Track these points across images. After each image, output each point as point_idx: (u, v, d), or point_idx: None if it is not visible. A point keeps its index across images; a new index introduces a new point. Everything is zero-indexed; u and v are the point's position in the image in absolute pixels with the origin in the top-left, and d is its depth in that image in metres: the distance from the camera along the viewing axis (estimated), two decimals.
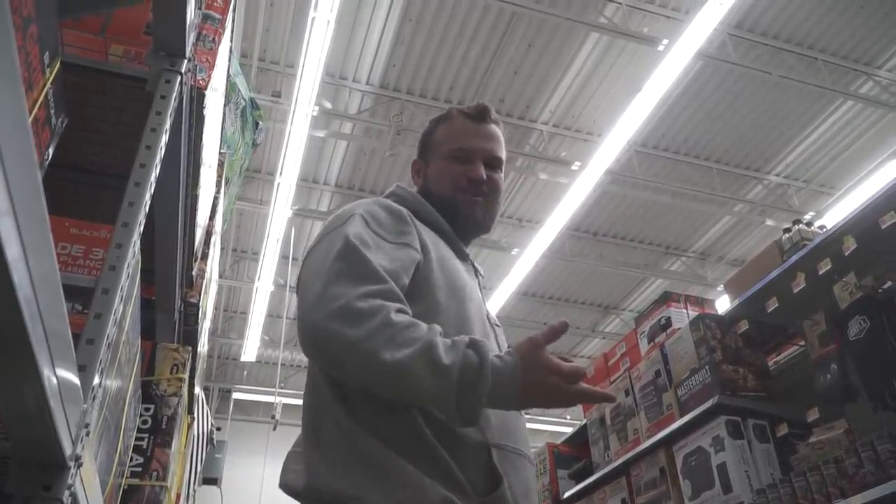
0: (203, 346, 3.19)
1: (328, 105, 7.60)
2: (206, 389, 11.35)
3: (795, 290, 2.69)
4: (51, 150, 1.21)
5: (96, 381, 1.12)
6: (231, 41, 2.58)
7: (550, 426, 13.57)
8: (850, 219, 2.53)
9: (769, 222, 8.89)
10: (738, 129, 8.20)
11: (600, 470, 3.60)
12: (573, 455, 4.11)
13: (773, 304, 2.82)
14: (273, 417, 9.14)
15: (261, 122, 3.84)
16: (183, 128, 1.76)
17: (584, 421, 3.95)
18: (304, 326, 1.09)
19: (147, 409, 2.10)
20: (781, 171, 8.87)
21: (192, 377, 2.55)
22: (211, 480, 7.02)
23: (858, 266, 2.47)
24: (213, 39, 1.95)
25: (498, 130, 1.47)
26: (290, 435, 1.44)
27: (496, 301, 9.61)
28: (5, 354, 0.73)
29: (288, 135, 6.97)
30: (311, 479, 1.10)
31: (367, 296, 1.07)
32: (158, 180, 1.52)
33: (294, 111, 6.70)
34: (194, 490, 4.08)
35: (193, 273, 2.49)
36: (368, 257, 1.13)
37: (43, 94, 1.06)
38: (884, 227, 2.36)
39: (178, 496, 2.71)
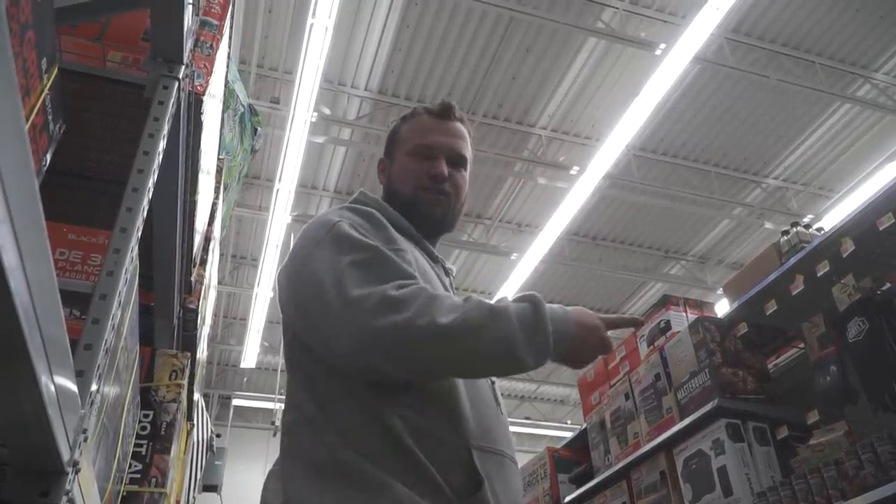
0: (202, 352, 3.19)
1: (327, 111, 7.61)
2: (205, 396, 11.31)
3: (794, 293, 2.69)
4: (48, 157, 1.21)
5: (94, 387, 1.12)
6: (229, 47, 2.59)
7: (550, 430, 13.57)
8: (847, 221, 2.53)
9: (768, 225, 8.90)
10: (736, 133, 8.22)
11: (601, 474, 3.59)
12: (573, 459, 4.10)
13: (772, 307, 2.81)
14: (273, 424, 9.13)
15: (259, 128, 3.84)
16: (181, 134, 1.76)
17: (585, 425, 3.95)
18: (349, 335, 1.04)
19: (146, 416, 2.10)
20: (780, 174, 8.88)
21: (191, 383, 2.54)
22: (211, 487, 7.01)
23: (857, 268, 2.47)
24: (211, 45, 1.96)
25: (463, 128, 1.44)
26: None
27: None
28: (3, 361, 0.73)
29: (287, 141, 6.98)
30: (289, 496, 1.08)
31: (398, 286, 1.06)
32: (156, 186, 1.52)
33: (293, 117, 6.71)
34: (194, 497, 4.06)
35: (192, 279, 2.49)
36: (385, 258, 1.12)
37: (40, 100, 1.06)
38: (881, 228, 2.36)
39: (178, 503, 2.70)
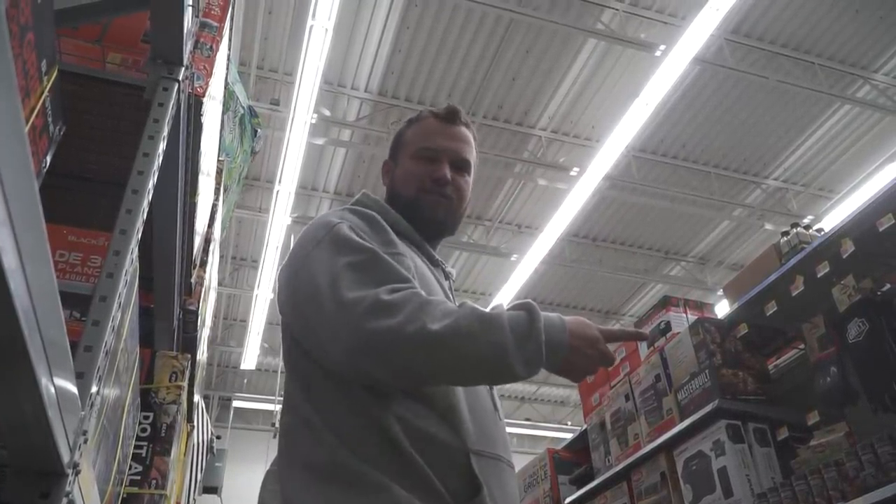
0: (202, 353, 3.19)
1: (327, 112, 7.61)
2: (205, 398, 11.31)
3: (794, 293, 2.69)
4: (48, 158, 1.21)
5: (94, 388, 1.12)
6: (229, 49, 2.59)
7: (551, 432, 13.56)
8: (847, 222, 2.53)
9: (768, 226, 8.90)
10: (736, 134, 8.22)
11: (601, 475, 3.59)
12: (574, 460, 4.09)
13: (772, 308, 2.81)
14: (273, 425, 9.14)
15: (259, 130, 3.85)
16: (181, 135, 1.76)
17: (585, 426, 3.94)
18: (341, 338, 1.04)
19: (146, 417, 2.10)
20: (780, 175, 8.88)
21: (191, 385, 2.54)
22: (211, 489, 6.99)
23: (857, 269, 2.47)
24: (211, 47, 1.96)
25: (468, 133, 1.44)
26: None
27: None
28: (3, 363, 0.73)
29: (287, 142, 6.99)
30: (287, 497, 1.08)
31: (392, 290, 1.06)
32: (156, 188, 1.52)
33: (293, 119, 6.71)
34: (194, 499, 4.06)
35: (192, 280, 2.49)
36: (381, 261, 1.12)
37: (40, 101, 1.06)
38: (882, 229, 2.36)
39: None
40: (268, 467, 1.24)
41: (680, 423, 2.98)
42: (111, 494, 1.49)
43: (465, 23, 6.88)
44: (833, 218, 8.26)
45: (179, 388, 2.21)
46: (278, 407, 9.24)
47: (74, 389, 0.99)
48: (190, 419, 2.93)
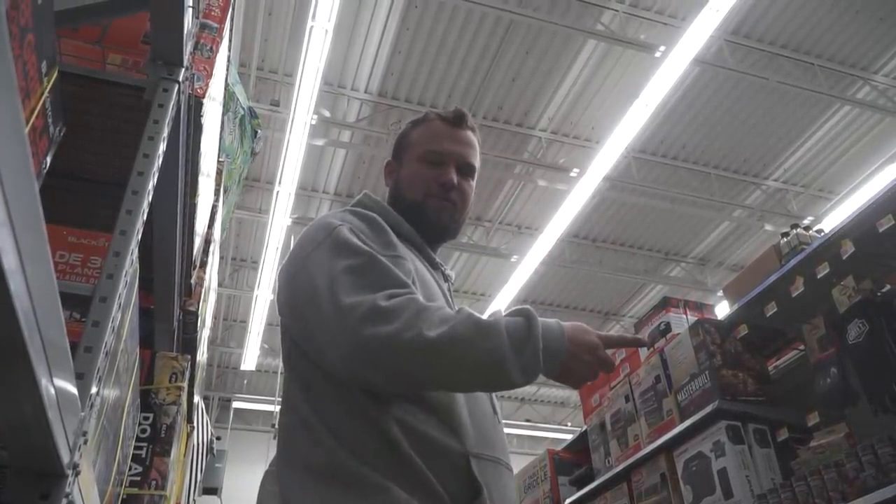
0: (202, 354, 3.19)
1: (327, 113, 7.61)
2: (205, 399, 11.31)
3: (794, 294, 2.69)
4: (48, 159, 1.21)
5: (94, 389, 1.12)
6: (229, 50, 2.59)
7: (551, 433, 13.56)
8: (847, 222, 2.53)
9: (768, 227, 8.90)
10: (736, 135, 8.22)
11: (601, 476, 3.59)
12: (574, 461, 4.10)
13: (771, 309, 2.81)
14: (273, 426, 9.13)
15: (259, 131, 3.85)
16: (181, 136, 1.76)
17: (585, 427, 3.94)
18: (338, 344, 1.04)
19: (146, 418, 2.10)
20: (780, 176, 8.88)
21: (191, 386, 2.54)
22: (211, 490, 6.99)
23: (857, 269, 2.47)
24: (211, 48, 1.96)
25: (474, 137, 1.44)
26: None
27: (496, 309, 9.60)
28: (3, 364, 0.73)
29: (287, 143, 6.99)
30: (286, 498, 1.08)
31: (389, 296, 1.06)
32: (156, 189, 1.52)
33: (293, 120, 6.72)
34: (194, 500, 4.06)
35: (192, 281, 2.49)
36: (379, 265, 1.12)
37: (40, 102, 1.06)
38: (881, 230, 2.36)
39: None
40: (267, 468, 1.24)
41: (680, 424, 2.98)
42: (111, 495, 1.49)
43: (464, 24, 6.88)
44: (833, 219, 8.27)
45: (179, 388, 2.21)
46: (278, 408, 9.22)
47: (74, 390, 0.99)
48: (190, 420, 2.93)
